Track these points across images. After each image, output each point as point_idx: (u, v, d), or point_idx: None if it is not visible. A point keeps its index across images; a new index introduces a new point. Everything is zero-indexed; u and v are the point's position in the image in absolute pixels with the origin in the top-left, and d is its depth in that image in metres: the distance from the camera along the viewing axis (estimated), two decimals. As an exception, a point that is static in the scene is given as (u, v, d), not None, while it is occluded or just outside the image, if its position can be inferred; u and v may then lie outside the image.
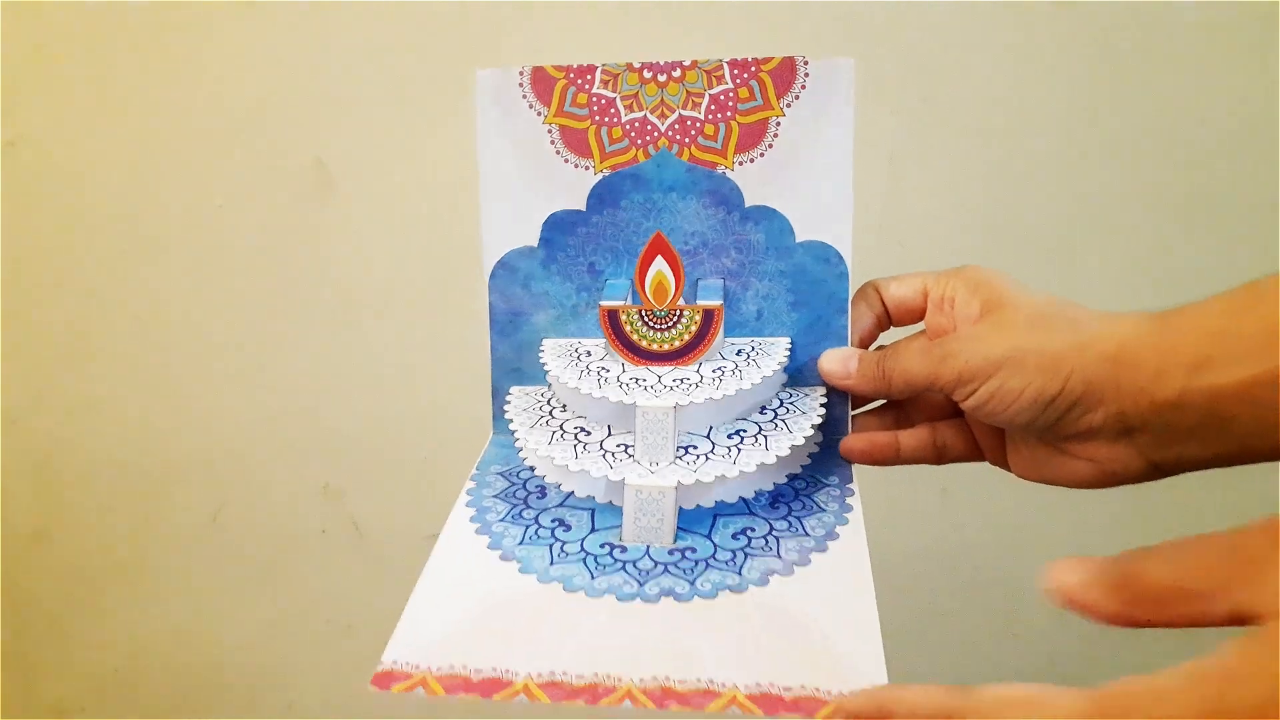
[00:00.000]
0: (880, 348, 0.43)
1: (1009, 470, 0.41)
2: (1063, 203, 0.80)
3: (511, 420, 0.44)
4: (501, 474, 0.44)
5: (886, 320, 0.44)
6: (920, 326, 0.43)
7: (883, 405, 0.45)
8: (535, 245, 0.44)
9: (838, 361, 0.42)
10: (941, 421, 0.43)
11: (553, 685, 0.34)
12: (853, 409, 0.45)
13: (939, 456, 0.43)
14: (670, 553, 0.39)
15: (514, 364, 0.46)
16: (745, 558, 0.39)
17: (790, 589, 0.37)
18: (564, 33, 0.76)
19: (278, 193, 0.82)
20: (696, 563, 0.38)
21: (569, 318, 0.45)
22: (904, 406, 0.45)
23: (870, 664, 0.34)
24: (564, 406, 0.44)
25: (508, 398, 0.45)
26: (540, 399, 0.45)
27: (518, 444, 0.44)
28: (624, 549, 0.39)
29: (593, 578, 0.38)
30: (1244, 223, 0.79)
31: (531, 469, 0.44)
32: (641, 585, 0.37)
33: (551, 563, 0.39)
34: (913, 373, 0.39)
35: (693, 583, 0.37)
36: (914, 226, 0.81)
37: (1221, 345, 0.32)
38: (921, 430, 0.43)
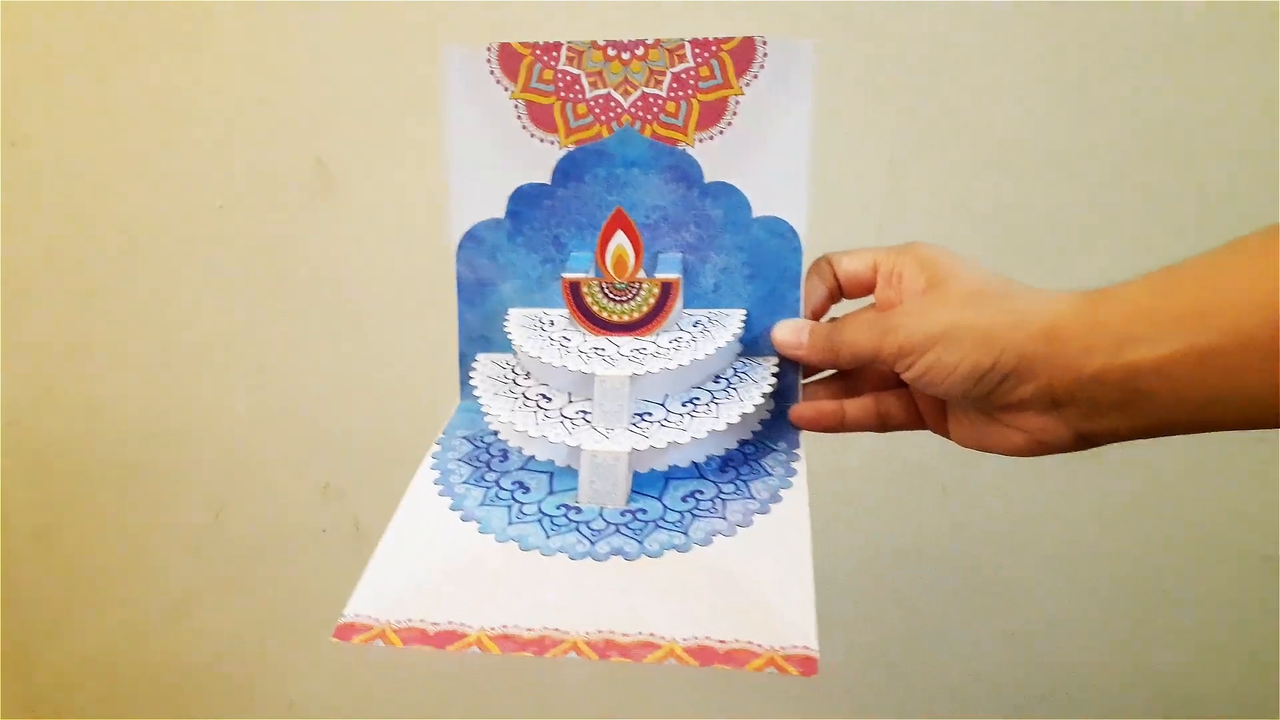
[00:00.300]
0: (832, 320, 0.45)
1: (949, 438, 0.43)
2: (1062, 203, 0.80)
3: (477, 387, 0.45)
4: (467, 438, 0.46)
5: (839, 293, 0.45)
6: (871, 300, 0.44)
7: (832, 375, 0.47)
8: (502, 218, 0.45)
9: (790, 332, 0.44)
10: (886, 391, 0.45)
11: (504, 638, 0.35)
12: (804, 378, 0.47)
13: (882, 425, 0.45)
14: (622, 514, 0.41)
15: (481, 332, 0.47)
16: (692, 519, 0.41)
17: (732, 548, 0.39)
18: (564, 27, 0.76)
19: (278, 193, 0.82)
20: (646, 523, 0.41)
21: (534, 288, 0.46)
22: (851, 376, 0.47)
23: (802, 618, 0.36)
24: (527, 374, 0.46)
25: (474, 365, 0.47)
26: (505, 367, 0.47)
27: (484, 409, 0.45)
28: (579, 510, 0.41)
29: (547, 537, 0.40)
30: (1244, 223, 0.79)
31: (495, 433, 0.46)
32: (593, 544, 0.40)
33: (509, 523, 0.41)
34: (859, 345, 0.41)
35: (641, 542, 0.40)
36: (914, 227, 0.81)
37: (1142, 325, 0.34)
38: (866, 400, 0.45)
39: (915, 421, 0.45)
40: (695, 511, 0.41)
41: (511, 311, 0.46)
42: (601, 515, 0.41)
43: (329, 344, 0.87)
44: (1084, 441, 0.38)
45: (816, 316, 0.46)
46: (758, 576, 0.38)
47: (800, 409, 0.45)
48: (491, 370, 0.46)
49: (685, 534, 0.40)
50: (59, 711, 1.02)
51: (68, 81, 0.80)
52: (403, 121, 0.80)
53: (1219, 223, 0.79)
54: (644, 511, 0.41)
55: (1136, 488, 0.90)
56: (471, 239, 0.46)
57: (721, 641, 0.35)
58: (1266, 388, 0.32)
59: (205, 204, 0.83)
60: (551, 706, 1.02)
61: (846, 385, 0.47)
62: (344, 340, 0.87)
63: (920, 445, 0.89)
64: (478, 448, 0.46)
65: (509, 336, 0.45)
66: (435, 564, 0.39)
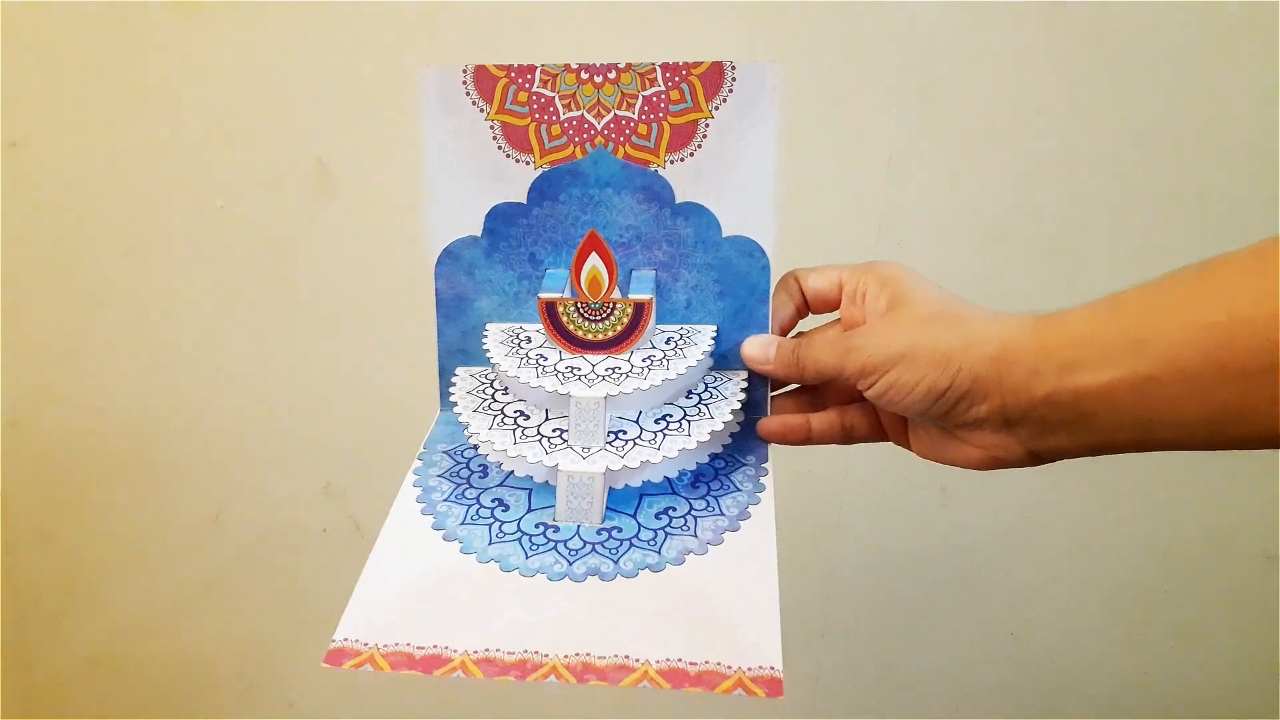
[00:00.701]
0: (799, 334, 0.47)
1: (910, 450, 0.45)
2: (1062, 203, 0.80)
3: (457, 403, 0.46)
4: (447, 453, 0.47)
5: (805, 309, 0.47)
6: (836, 315, 0.46)
7: (798, 389, 0.49)
8: (479, 235, 0.47)
9: (758, 348, 0.46)
10: (849, 405, 0.47)
11: (486, 661, 0.37)
12: (771, 391, 0.48)
13: (847, 438, 0.47)
14: (599, 532, 0.42)
15: (460, 345, 0.49)
16: (665, 537, 0.42)
17: (703, 569, 0.41)
18: (569, 34, 0.76)
19: (278, 193, 0.82)
20: (621, 542, 0.42)
21: (511, 304, 0.48)
22: (817, 390, 0.48)
23: (767, 639, 0.37)
24: (505, 389, 0.47)
25: (454, 379, 0.48)
26: (484, 381, 0.48)
27: (460, 420, 0.46)
28: (557, 529, 0.43)
29: (527, 557, 0.41)
30: (1244, 223, 0.79)
31: (475, 448, 0.47)
32: (570, 564, 0.41)
33: (490, 542, 0.42)
34: (822, 363, 0.42)
35: (616, 562, 0.41)
36: (913, 227, 0.81)
37: (1085, 351, 0.35)
38: (831, 413, 0.47)
39: (878, 434, 0.47)
40: (668, 530, 0.42)
41: (489, 326, 0.48)
42: (579, 533, 0.42)
43: (329, 344, 0.87)
44: (1035, 458, 0.40)
45: (784, 332, 0.47)
46: (727, 597, 0.39)
47: (768, 423, 0.47)
48: (470, 384, 0.48)
49: (659, 553, 0.41)
50: (59, 711, 1.02)
51: (68, 81, 0.80)
52: (403, 121, 0.80)
53: (1219, 223, 0.79)
54: (619, 530, 0.43)
55: (1137, 488, 0.90)
56: (449, 256, 0.47)
57: (693, 664, 0.36)
58: (1202, 415, 0.33)
59: (205, 204, 0.83)
60: (551, 706, 1.02)
61: (812, 398, 0.48)
62: (344, 340, 0.87)
63: (920, 445, 0.89)
64: (458, 463, 0.47)
65: (487, 353, 0.46)
66: (419, 586, 0.40)
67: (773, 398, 0.48)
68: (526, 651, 0.37)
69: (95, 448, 0.92)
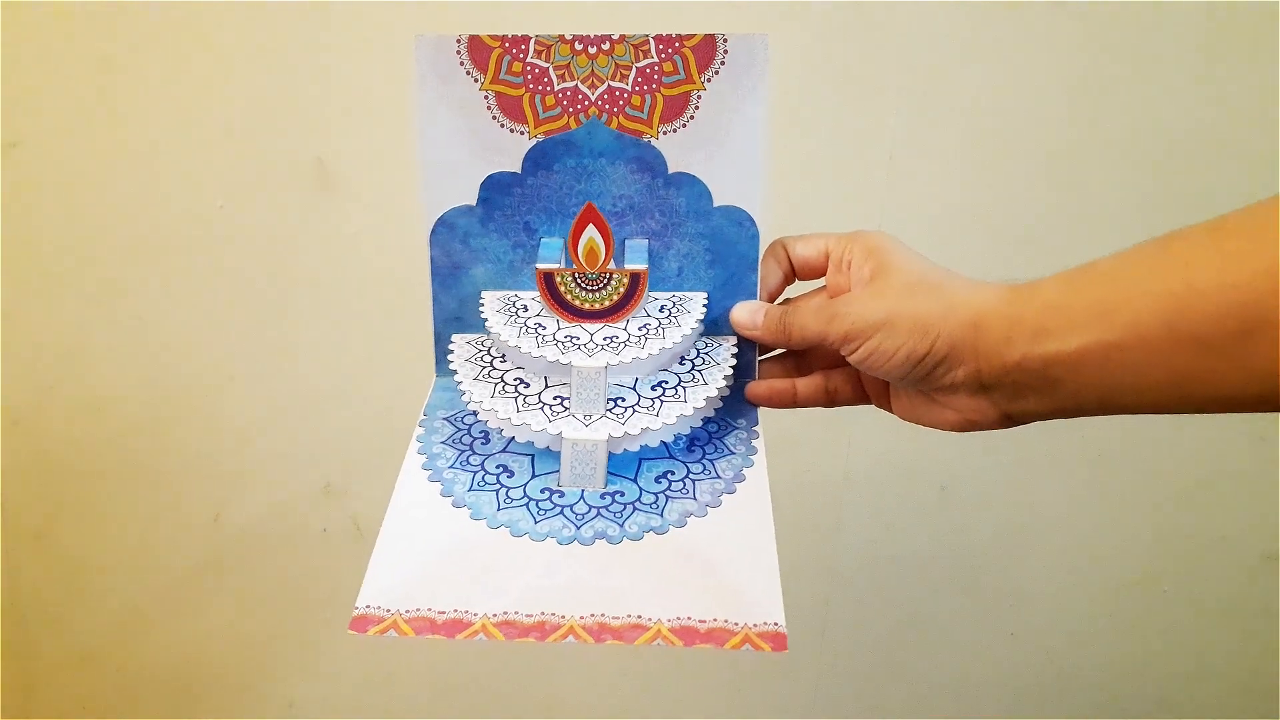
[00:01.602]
0: (786, 300, 0.48)
1: (892, 413, 0.46)
2: (1062, 202, 0.80)
3: (457, 371, 0.47)
4: (448, 419, 0.48)
5: (792, 276, 0.48)
6: (822, 282, 0.47)
7: (784, 354, 0.50)
8: (474, 204, 0.47)
9: (746, 314, 0.47)
10: (834, 370, 0.48)
11: (507, 624, 0.38)
12: (759, 356, 0.50)
13: (830, 401, 0.48)
14: (602, 496, 0.44)
15: (455, 313, 0.49)
16: (666, 500, 0.44)
17: (704, 529, 0.42)
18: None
19: (278, 193, 0.82)
20: (625, 505, 0.43)
21: (506, 272, 0.48)
22: (803, 355, 0.50)
23: (769, 597, 0.39)
24: (503, 357, 0.48)
25: (450, 345, 0.49)
26: (481, 348, 0.49)
27: (461, 388, 0.47)
28: (562, 494, 0.44)
29: (535, 522, 0.42)
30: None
31: (474, 413, 0.48)
32: (578, 529, 0.42)
33: (499, 508, 0.43)
34: (808, 329, 0.44)
35: (621, 525, 0.42)
36: (913, 226, 0.81)
37: (1054, 320, 0.37)
38: (816, 378, 0.48)
39: (861, 398, 0.48)
40: (668, 493, 0.44)
41: (485, 294, 0.48)
42: (584, 498, 0.44)
43: (329, 344, 0.87)
44: (1009, 420, 0.41)
45: (772, 298, 0.49)
46: (729, 557, 0.41)
47: (755, 387, 0.49)
48: (467, 351, 0.49)
49: (661, 516, 0.43)
50: (59, 711, 1.02)
51: (68, 81, 0.80)
52: (403, 121, 0.80)
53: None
54: (621, 494, 0.44)
55: (1136, 488, 0.90)
56: (444, 225, 0.48)
57: (701, 621, 0.38)
58: (1161, 381, 0.35)
59: (205, 204, 0.83)
60: (551, 706, 1.02)
61: (798, 363, 0.50)
62: (344, 340, 0.87)
63: (920, 445, 0.89)
64: (459, 429, 0.48)
65: (486, 322, 0.47)
66: (434, 552, 0.41)
67: (760, 362, 0.50)
68: (544, 614, 0.38)
69: (95, 448, 0.92)
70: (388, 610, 0.38)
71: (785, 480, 0.90)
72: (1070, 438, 0.88)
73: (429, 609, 0.38)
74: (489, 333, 0.48)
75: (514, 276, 0.48)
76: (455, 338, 0.49)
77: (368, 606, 0.39)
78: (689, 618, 0.38)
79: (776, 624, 0.37)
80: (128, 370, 0.89)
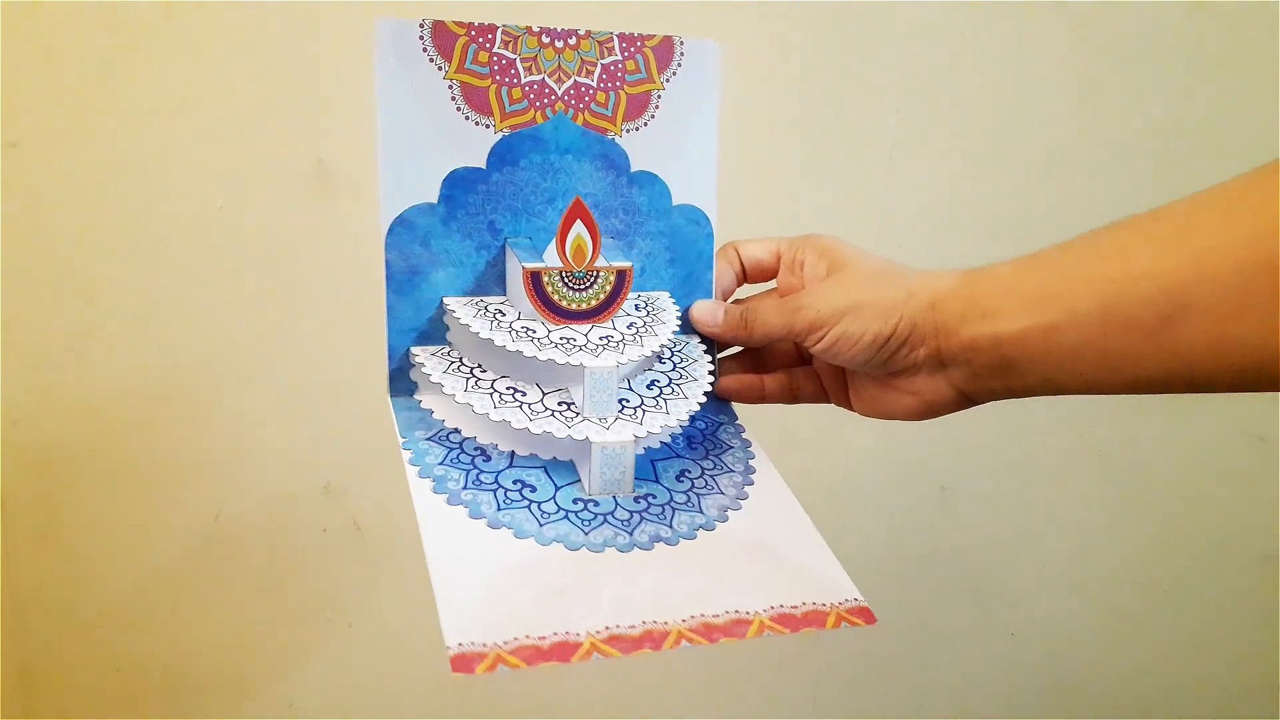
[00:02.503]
0: (737, 301, 0.50)
1: (851, 409, 0.48)
2: (1061, 202, 0.80)
3: (443, 385, 0.44)
4: (431, 439, 0.44)
5: (744, 277, 0.50)
6: (771, 285, 0.49)
7: (741, 353, 0.52)
8: (435, 202, 0.44)
9: (707, 312, 0.48)
10: (795, 367, 0.50)
11: (615, 639, 0.36)
12: (717, 353, 0.51)
13: (794, 398, 0.50)
14: (636, 500, 0.43)
15: (413, 323, 0.45)
16: (698, 497, 0.44)
17: (747, 522, 0.42)
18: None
19: (278, 193, 0.82)
20: (663, 508, 0.43)
21: (470, 276, 0.45)
22: (759, 353, 0.51)
23: (840, 576, 0.40)
24: (480, 365, 0.45)
25: (414, 358, 0.45)
26: (451, 359, 0.45)
27: (425, 407, 0.45)
28: (596, 502, 0.43)
29: (586, 534, 0.41)
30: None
31: (456, 430, 0.45)
32: (631, 535, 0.41)
33: (541, 525, 0.41)
34: (770, 324, 0.45)
35: (671, 525, 0.42)
36: (913, 225, 0.81)
37: (1004, 301, 0.39)
38: (780, 375, 0.50)
39: (821, 395, 0.50)
40: (696, 491, 0.44)
41: (449, 300, 0.45)
42: (618, 504, 0.43)
43: (329, 344, 0.87)
44: (967, 400, 0.43)
45: (726, 298, 0.50)
46: (785, 545, 0.41)
47: (727, 382, 0.50)
48: (437, 364, 0.45)
49: (702, 513, 0.43)
50: (59, 711, 1.02)
51: (68, 81, 0.80)
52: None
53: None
54: (653, 496, 0.43)
55: (1136, 488, 0.90)
56: (402, 224, 0.44)
57: (795, 607, 0.38)
58: (1098, 362, 0.37)
59: (206, 204, 0.83)
60: (552, 706, 1.02)
61: (754, 362, 0.51)
62: (344, 340, 0.87)
63: (920, 445, 0.89)
64: (450, 448, 0.44)
65: (469, 329, 0.44)
66: (498, 577, 0.39)
67: (720, 360, 0.51)
68: (645, 623, 0.37)
69: (95, 448, 0.92)
70: (484, 644, 0.35)
71: (785, 480, 0.90)
72: (1070, 438, 0.88)
73: (527, 636, 0.36)
74: (452, 343, 0.45)
75: (478, 281, 0.45)
76: (417, 350, 0.45)
77: (460, 645, 0.35)
78: (782, 605, 0.38)
79: (858, 599, 0.39)
80: (128, 370, 0.89)
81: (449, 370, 0.45)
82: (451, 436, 0.45)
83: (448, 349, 0.46)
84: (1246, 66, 0.75)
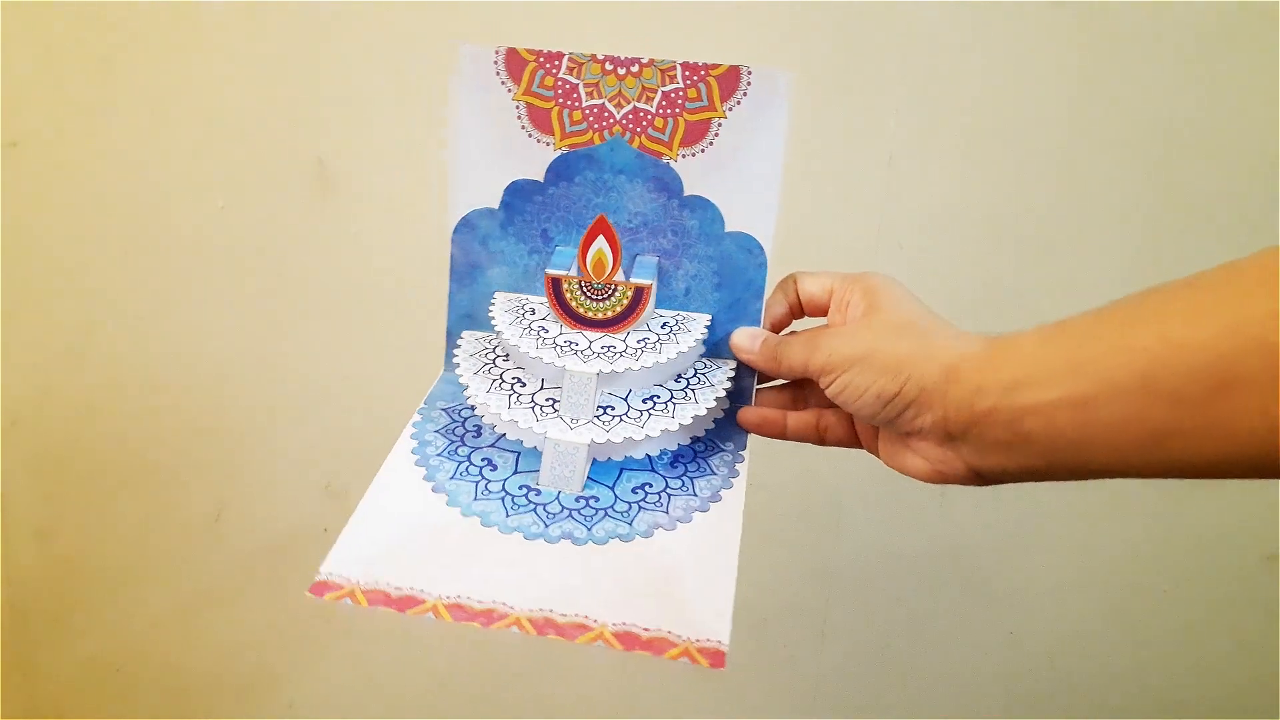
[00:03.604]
0: (792, 333, 0.48)
1: (879, 458, 0.46)
2: (1061, 204, 0.80)
3: (460, 364, 0.49)
4: (445, 410, 0.50)
5: (799, 310, 0.49)
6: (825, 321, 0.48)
7: (785, 385, 0.50)
8: (496, 208, 0.49)
9: (746, 338, 0.48)
10: (828, 408, 0.48)
11: (456, 607, 0.39)
12: (759, 384, 0.50)
13: (820, 438, 0.48)
14: (577, 499, 0.45)
15: (468, 310, 0.51)
16: (639, 510, 0.44)
17: (670, 542, 0.43)
18: (554, 28, 0.76)
19: (278, 193, 0.82)
20: (597, 511, 0.44)
21: (520, 275, 0.50)
22: (800, 389, 0.50)
23: (718, 615, 0.39)
24: (507, 356, 0.49)
25: (460, 341, 0.51)
26: (488, 346, 0.50)
27: (461, 380, 0.48)
28: (539, 492, 0.45)
29: (507, 516, 0.44)
30: (1244, 223, 0.79)
31: (472, 408, 0.50)
32: (546, 526, 0.43)
33: (475, 498, 0.44)
34: (793, 358, 0.44)
35: (589, 529, 0.43)
36: (913, 227, 0.81)
37: (1029, 371, 0.37)
38: (809, 413, 0.49)
39: (852, 439, 0.48)
40: (642, 504, 0.45)
41: (497, 295, 0.50)
42: (558, 499, 0.45)
43: (329, 344, 0.87)
44: (978, 477, 0.41)
45: (776, 329, 0.49)
46: (688, 571, 0.41)
47: (747, 412, 0.49)
48: (475, 347, 0.50)
49: (630, 524, 0.44)
50: (59, 712, 1.02)
51: (68, 81, 0.80)
52: (403, 121, 0.80)
53: (1219, 224, 0.79)
54: (596, 499, 0.45)
55: (1136, 488, 0.90)
56: (466, 225, 0.49)
57: (645, 629, 0.39)
58: (1136, 438, 0.34)
59: (206, 204, 0.83)
60: (550, 706, 1.02)
61: (795, 396, 0.50)
62: (344, 340, 0.87)
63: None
64: (454, 420, 0.49)
65: (493, 320, 0.48)
66: (404, 531, 0.43)
67: (758, 390, 0.50)
68: (494, 602, 0.39)
69: (95, 448, 0.92)
70: (347, 579, 0.40)
71: (785, 480, 0.90)
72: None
73: (386, 583, 0.40)
74: (495, 331, 0.49)
75: (528, 281, 0.50)
76: (465, 334, 0.51)
77: (329, 574, 0.40)
78: (633, 624, 0.39)
79: (719, 641, 0.38)
80: (128, 370, 0.89)
81: (476, 354, 0.49)
82: (463, 411, 0.50)
83: (492, 336, 0.50)
84: (1247, 67, 0.75)
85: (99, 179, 0.82)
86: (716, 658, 0.38)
